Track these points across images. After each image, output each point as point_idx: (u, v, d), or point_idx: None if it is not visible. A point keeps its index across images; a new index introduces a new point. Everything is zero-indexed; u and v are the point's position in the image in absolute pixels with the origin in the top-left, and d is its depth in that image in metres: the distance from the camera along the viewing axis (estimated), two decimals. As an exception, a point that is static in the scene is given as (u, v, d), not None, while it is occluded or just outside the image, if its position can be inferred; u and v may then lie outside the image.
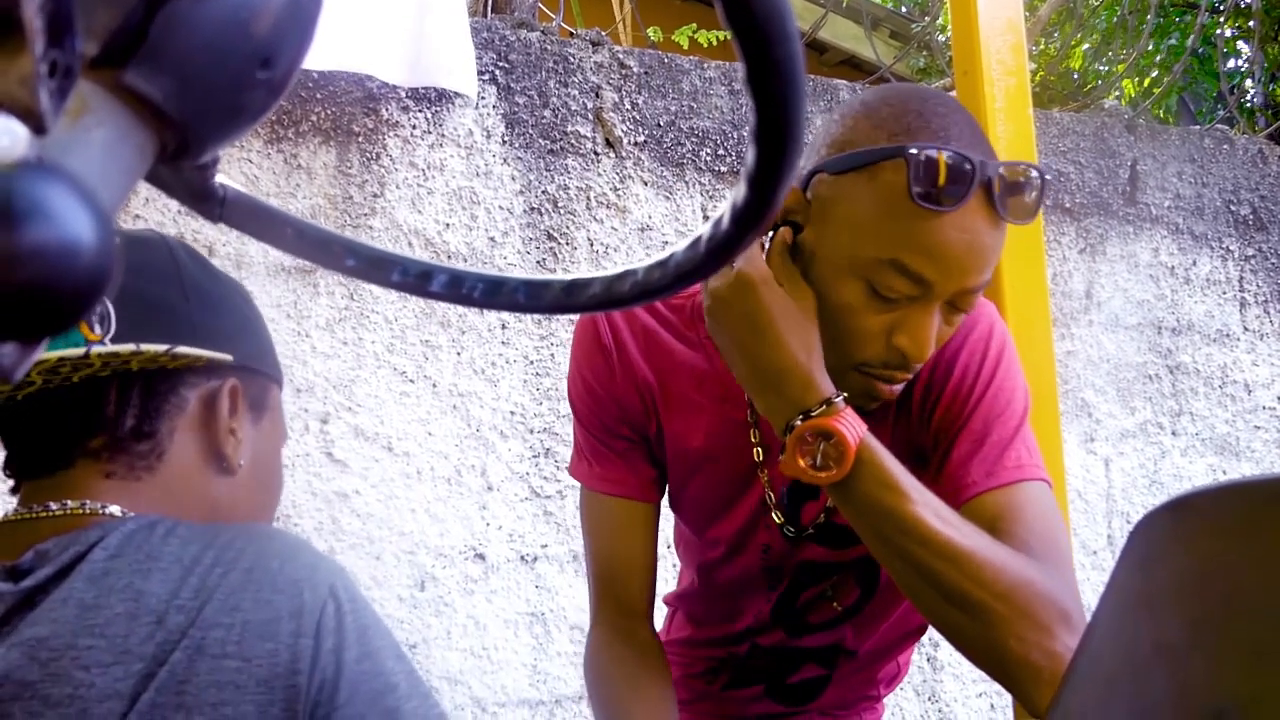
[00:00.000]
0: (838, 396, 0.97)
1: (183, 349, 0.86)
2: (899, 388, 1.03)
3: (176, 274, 0.92)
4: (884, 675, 1.38)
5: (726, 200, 0.39)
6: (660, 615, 1.48)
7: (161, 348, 0.84)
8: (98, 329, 0.84)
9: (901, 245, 0.94)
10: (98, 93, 0.33)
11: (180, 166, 0.46)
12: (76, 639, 0.73)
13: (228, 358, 0.89)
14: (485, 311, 2.10)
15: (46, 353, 0.81)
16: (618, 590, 1.22)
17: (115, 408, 0.85)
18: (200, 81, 0.35)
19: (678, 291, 0.43)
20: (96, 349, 0.82)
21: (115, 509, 0.82)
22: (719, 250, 0.40)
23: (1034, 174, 0.95)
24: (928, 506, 0.95)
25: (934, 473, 1.06)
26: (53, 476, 0.84)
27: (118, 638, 0.73)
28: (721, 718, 1.37)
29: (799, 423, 0.96)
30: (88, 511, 0.81)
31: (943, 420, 1.06)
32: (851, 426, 0.95)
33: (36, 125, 0.28)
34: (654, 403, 1.17)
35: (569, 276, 0.46)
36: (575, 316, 2.19)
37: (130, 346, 0.83)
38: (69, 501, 0.82)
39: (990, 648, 0.93)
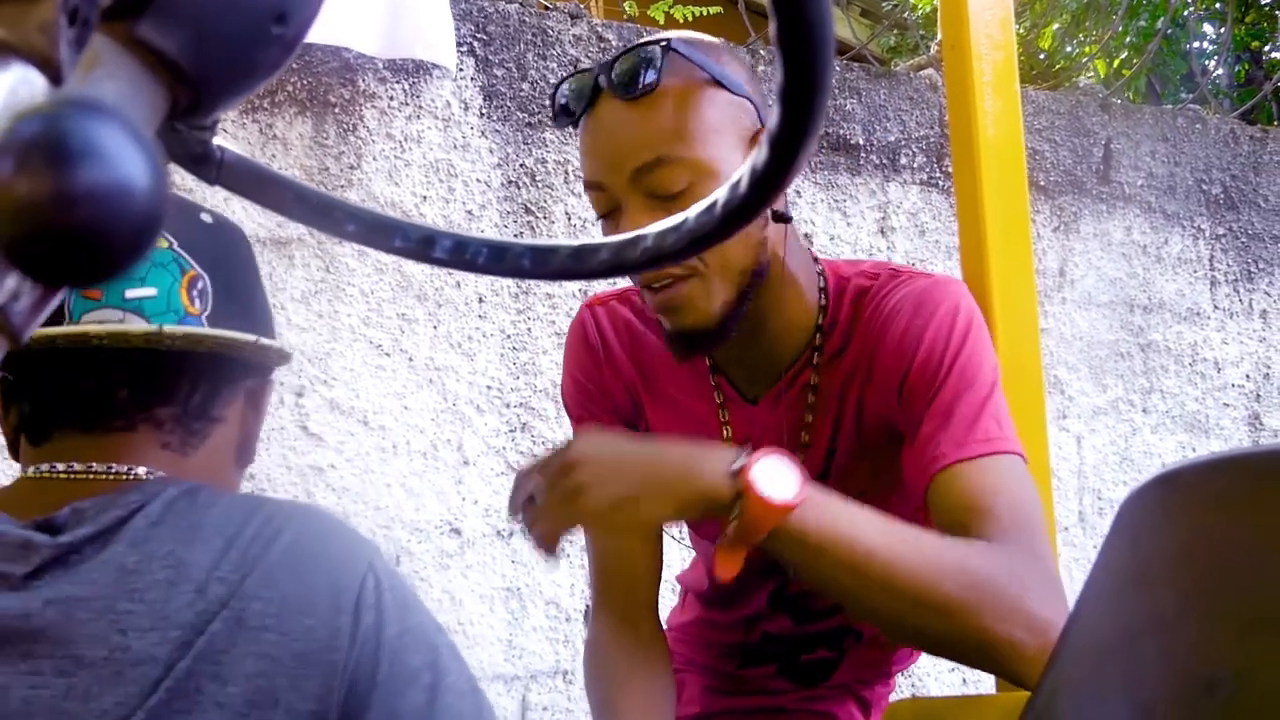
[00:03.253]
0: (736, 462, 0.90)
1: (267, 341, 0.87)
2: (674, 293, 1.00)
3: (254, 265, 0.94)
4: (897, 656, 1.37)
5: (746, 162, 0.38)
6: (674, 597, 1.48)
7: (250, 338, 0.86)
8: (197, 303, 0.84)
9: (582, 168, 1.03)
10: (109, 45, 0.32)
11: (179, 126, 0.45)
12: (115, 602, 0.73)
13: (289, 354, 0.92)
14: (463, 285, 2.09)
15: (148, 323, 0.81)
16: (618, 583, 1.22)
17: (189, 383, 0.85)
18: (214, 36, 0.34)
19: (691, 255, 0.42)
20: (215, 332, 0.83)
21: (141, 470, 0.82)
22: (735, 214, 0.39)
23: (646, 49, 0.98)
24: (870, 523, 0.92)
25: (906, 449, 1.06)
26: (100, 435, 0.82)
27: (157, 603, 0.73)
28: (739, 694, 1.37)
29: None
30: (124, 476, 0.81)
31: (912, 396, 1.06)
32: (773, 474, 0.89)
33: (54, 75, 0.27)
34: (639, 397, 1.19)
35: (577, 242, 0.45)
36: (554, 292, 2.18)
37: (248, 336, 0.85)
38: (114, 465, 0.81)
39: (969, 638, 0.90)
